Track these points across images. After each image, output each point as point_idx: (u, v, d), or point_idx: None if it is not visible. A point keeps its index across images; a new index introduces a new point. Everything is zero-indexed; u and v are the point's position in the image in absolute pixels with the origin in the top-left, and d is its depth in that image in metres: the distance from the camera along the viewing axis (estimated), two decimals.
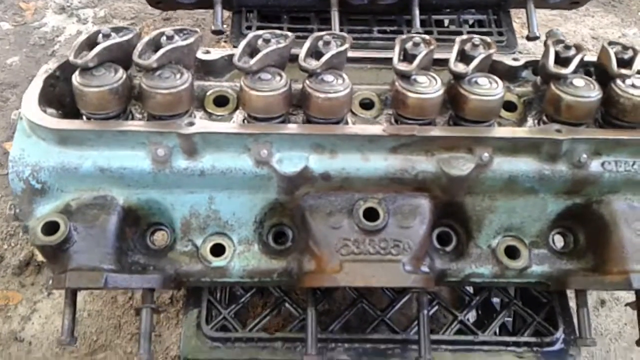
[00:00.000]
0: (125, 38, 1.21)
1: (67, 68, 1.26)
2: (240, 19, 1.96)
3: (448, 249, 1.31)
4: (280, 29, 1.44)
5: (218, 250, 1.27)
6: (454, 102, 1.23)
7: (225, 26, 1.91)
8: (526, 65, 1.37)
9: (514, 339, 1.37)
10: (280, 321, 1.63)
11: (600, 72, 1.27)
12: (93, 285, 1.13)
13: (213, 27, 1.82)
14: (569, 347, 1.36)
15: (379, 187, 1.22)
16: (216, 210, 1.26)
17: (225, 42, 2.84)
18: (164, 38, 1.22)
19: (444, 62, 1.22)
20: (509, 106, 1.32)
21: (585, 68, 1.31)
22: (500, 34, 1.92)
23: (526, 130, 1.23)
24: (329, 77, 1.20)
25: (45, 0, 3.27)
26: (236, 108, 1.30)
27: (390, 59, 1.21)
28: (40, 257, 2.16)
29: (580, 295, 1.26)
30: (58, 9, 3.22)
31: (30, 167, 1.18)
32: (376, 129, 1.19)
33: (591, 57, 1.31)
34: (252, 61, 1.17)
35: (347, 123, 1.26)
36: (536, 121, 1.30)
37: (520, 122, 1.31)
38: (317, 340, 1.24)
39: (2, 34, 3.08)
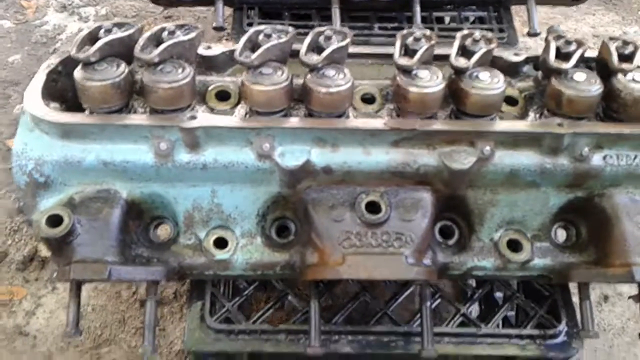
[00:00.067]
0: (126, 33, 1.22)
1: (69, 63, 1.26)
2: (242, 16, 1.96)
3: (450, 242, 1.31)
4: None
5: (221, 243, 1.27)
6: (455, 97, 1.23)
7: (226, 24, 1.91)
8: (527, 60, 1.37)
9: (516, 331, 1.37)
10: (284, 315, 1.63)
11: (601, 67, 1.27)
12: (97, 277, 1.14)
13: (214, 24, 1.83)
14: (572, 340, 1.36)
15: (380, 180, 1.23)
16: (219, 203, 1.26)
17: (226, 39, 2.85)
18: (165, 33, 1.22)
19: (445, 58, 1.22)
20: (510, 101, 1.32)
21: (586, 63, 1.31)
22: (501, 30, 1.92)
23: (528, 124, 1.23)
24: (330, 72, 1.20)
25: None
26: (238, 102, 1.30)
27: (392, 55, 1.21)
28: (44, 253, 2.18)
29: (582, 288, 1.26)
30: (59, 7, 3.23)
31: (34, 161, 1.19)
32: (378, 123, 1.19)
33: (592, 52, 1.31)
34: (254, 56, 1.18)
35: (348, 117, 1.26)
36: (537, 116, 1.30)
37: (522, 117, 1.31)
38: (320, 332, 1.25)
39: (3, 32, 3.09)
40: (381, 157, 1.20)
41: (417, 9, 1.84)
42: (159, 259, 1.27)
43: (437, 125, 1.20)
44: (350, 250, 1.19)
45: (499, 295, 1.60)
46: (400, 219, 1.22)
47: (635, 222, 1.19)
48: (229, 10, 2.01)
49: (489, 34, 1.24)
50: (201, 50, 1.34)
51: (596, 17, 3.20)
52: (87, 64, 1.17)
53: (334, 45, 1.21)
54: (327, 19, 1.85)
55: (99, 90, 1.17)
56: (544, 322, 1.40)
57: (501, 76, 1.21)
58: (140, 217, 1.27)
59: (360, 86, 1.32)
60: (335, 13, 1.80)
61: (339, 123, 1.20)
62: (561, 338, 1.36)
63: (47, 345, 1.96)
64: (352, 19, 1.92)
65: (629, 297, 1.26)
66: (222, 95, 1.32)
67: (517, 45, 1.88)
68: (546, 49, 1.24)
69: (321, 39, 1.23)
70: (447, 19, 2.07)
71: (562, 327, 1.38)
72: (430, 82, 1.19)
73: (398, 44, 1.21)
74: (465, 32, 1.24)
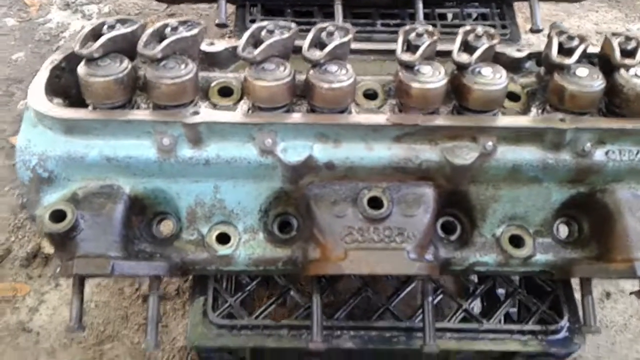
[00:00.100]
0: (130, 29, 1.22)
1: (72, 59, 1.27)
2: (244, 13, 1.96)
3: (452, 238, 1.31)
4: None
5: (223, 238, 1.28)
6: (457, 92, 1.23)
7: (229, 21, 1.91)
8: (530, 56, 1.37)
9: (518, 327, 1.38)
10: (286, 312, 1.64)
11: (603, 63, 1.27)
12: (100, 272, 1.14)
13: (217, 21, 1.83)
14: (574, 336, 1.36)
15: (383, 176, 1.23)
16: (221, 199, 1.27)
17: (229, 36, 2.85)
18: (168, 29, 1.22)
19: (447, 54, 1.22)
20: (512, 97, 1.32)
21: (588, 59, 1.31)
22: (503, 27, 1.92)
23: (530, 119, 1.23)
24: (332, 67, 1.20)
25: None
26: (240, 98, 1.31)
27: (394, 51, 1.21)
28: (47, 249, 2.19)
29: (584, 283, 1.26)
30: (63, 5, 3.24)
31: (37, 157, 1.19)
32: (380, 118, 1.19)
33: (594, 48, 1.31)
34: (257, 51, 1.18)
35: (350, 113, 1.26)
36: (540, 111, 1.29)
37: (524, 113, 1.31)
38: (322, 328, 1.25)
39: (7, 30, 3.10)
40: (383, 152, 1.21)
41: (420, 5, 1.84)
42: (161, 254, 1.27)
43: (440, 121, 1.20)
44: (353, 246, 1.19)
45: (501, 291, 1.60)
46: (402, 215, 1.22)
47: (637, 217, 1.19)
48: (231, 8, 2.01)
49: (492, 30, 1.24)
50: (204, 47, 1.34)
51: (599, 14, 3.20)
52: (91, 60, 1.18)
53: (337, 41, 1.21)
54: (329, 16, 1.85)
55: (102, 86, 1.17)
56: (545, 318, 1.40)
57: (503, 72, 1.21)
58: (143, 212, 1.28)
59: (363, 82, 1.33)
60: (338, 10, 1.80)
61: (341, 118, 1.20)
62: (563, 334, 1.37)
63: (50, 342, 1.97)
64: (354, 15, 1.92)
65: (631, 293, 1.26)
66: (225, 91, 1.32)
67: (519, 41, 1.88)
68: (549, 44, 1.24)
69: (323, 34, 1.23)
70: (449, 16, 2.07)
71: (564, 322, 1.38)
72: (433, 78, 1.19)
73: (400, 39, 1.21)
74: (468, 27, 1.24)
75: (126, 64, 1.19)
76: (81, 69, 1.18)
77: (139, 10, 3.20)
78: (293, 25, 1.25)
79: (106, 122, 1.18)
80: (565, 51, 1.22)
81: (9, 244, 2.21)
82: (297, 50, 1.22)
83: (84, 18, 3.17)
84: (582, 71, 1.21)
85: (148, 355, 1.95)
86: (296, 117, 1.20)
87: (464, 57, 1.19)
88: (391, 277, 1.55)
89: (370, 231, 1.20)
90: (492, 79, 1.19)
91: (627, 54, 1.22)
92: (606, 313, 2.02)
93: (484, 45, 1.21)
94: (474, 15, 2.04)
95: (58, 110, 1.19)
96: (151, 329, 1.22)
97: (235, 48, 1.26)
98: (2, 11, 3.18)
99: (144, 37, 1.18)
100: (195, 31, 1.23)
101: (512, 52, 1.35)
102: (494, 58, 1.26)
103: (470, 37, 1.23)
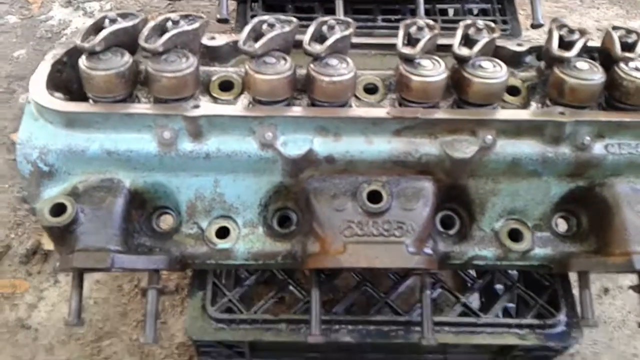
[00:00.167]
0: (131, 23, 1.23)
1: (74, 54, 1.27)
2: (245, 9, 1.97)
3: (451, 232, 1.32)
4: None
5: (223, 232, 1.28)
6: (457, 86, 1.24)
7: (230, 17, 1.92)
8: (530, 50, 1.38)
9: (516, 321, 1.38)
10: (285, 309, 1.64)
11: (604, 57, 1.28)
12: (100, 265, 1.14)
13: (218, 16, 1.83)
14: (571, 330, 1.37)
15: (382, 170, 1.23)
16: (221, 193, 1.27)
17: (230, 33, 2.85)
18: (169, 23, 1.23)
19: (448, 49, 1.22)
20: (512, 91, 1.32)
21: (589, 54, 1.32)
22: (504, 22, 1.92)
23: (530, 113, 1.24)
24: (333, 61, 1.21)
25: None
26: (241, 92, 1.31)
27: (395, 45, 1.21)
28: (46, 246, 2.18)
29: (582, 277, 1.26)
30: (64, 2, 3.24)
31: (38, 150, 1.20)
32: (380, 112, 1.20)
33: (595, 43, 1.31)
34: (257, 45, 1.19)
35: (351, 107, 1.26)
36: (540, 105, 1.30)
37: (524, 107, 1.31)
38: (321, 321, 1.25)
39: (9, 27, 3.10)
40: (383, 146, 1.21)
41: (421, 1, 1.84)
42: (161, 248, 1.27)
43: (439, 114, 1.20)
44: (352, 239, 1.20)
45: (499, 287, 1.60)
46: (401, 208, 1.22)
47: (636, 211, 1.19)
48: (232, 6, 2.01)
49: (492, 24, 1.25)
50: (205, 41, 1.34)
51: (600, 10, 3.20)
52: (92, 54, 1.18)
53: (337, 34, 1.22)
54: (330, 11, 1.85)
55: (104, 80, 1.18)
56: (543, 312, 1.41)
57: (504, 65, 1.21)
58: (143, 206, 1.28)
59: (363, 76, 1.33)
60: (339, 5, 1.81)
61: (341, 112, 1.21)
62: (560, 327, 1.37)
63: (49, 339, 1.96)
64: (355, 11, 1.93)
65: (629, 287, 1.26)
66: (226, 86, 1.33)
67: (520, 37, 1.88)
68: (549, 38, 1.25)
69: (324, 28, 1.23)
70: (450, 12, 2.08)
71: (562, 316, 1.38)
72: (433, 71, 1.19)
73: (401, 33, 1.22)
74: (468, 21, 1.24)
75: (127, 57, 1.20)
76: (83, 62, 1.18)
77: (140, 8, 3.20)
78: (294, 19, 1.26)
79: (107, 115, 1.18)
80: (565, 45, 1.22)
81: (8, 241, 2.20)
82: (298, 44, 1.22)
83: (86, 15, 3.17)
84: (583, 64, 1.21)
85: (146, 352, 1.95)
86: (297, 110, 1.21)
87: (464, 51, 1.20)
88: (390, 273, 1.54)
89: (370, 225, 1.21)
90: (492, 72, 1.20)
91: (628, 47, 1.23)
92: (604, 309, 2.02)
93: (484, 38, 1.21)
94: (475, 11, 2.05)
95: (59, 103, 1.19)
96: (150, 323, 1.22)
97: (236, 43, 1.27)
98: (4, 8, 3.18)
99: (145, 31, 1.19)
100: (196, 25, 1.24)
101: (513, 46, 1.36)
102: (495, 52, 1.27)
103: (471, 31, 1.23)
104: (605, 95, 1.26)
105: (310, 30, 1.22)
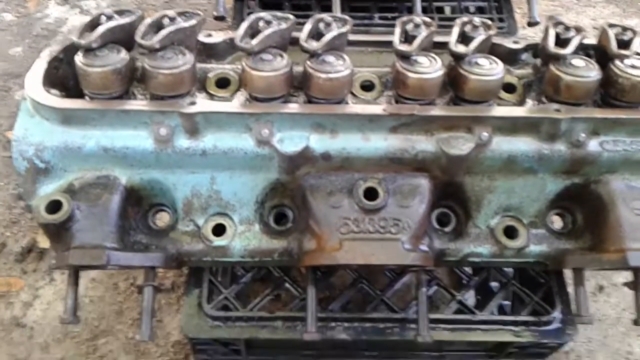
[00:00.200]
0: (128, 20, 1.22)
1: (70, 51, 1.26)
2: (242, 7, 1.97)
3: (447, 229, 1.32)
4: None
5: (219, 230, 1.28)
6: (454, 83, 1.24)
7: (227, 14, 1.91)
8: (526, 48, 1.38)
9: (511, 318, 1.39)
10: (281, 306, 1.64)
11: (600, 54, 1.28)
12: (96, 262, 1.14)
13: (215, 13, 1.83)
14: (566, 326, 1.37)
15: (379, 167, 1.23)
16: (217, 190, 1.27)
17: (228, 31, 2.85)
18: (166, 20, 1.23)
19: (444, 46, 1.23)
20: (508, 88, 1.33)
21: (585, 51, 1.32)
22: (501, 20, 1.93)
23: (525, 110, 1.24)
24: (330, 58, 1.21)
25: None
26: (238, 89, 1.31)
27: (391, 43, 1.21)
28: (42, 244, 2.18)
29: (577, 274, 1.27)
30: (60, 0, 3.23)
31: (34, 147, 1.19)
32: (376, 109, 1.20)
33: (591, 40, 1.32)
34: (254, 42, 1.18)
35: (347, 104, 1.26)
36: (535, 102, 1.30)
37: (520, 104, 1.32)
38: (317, 319, 1.25)
39: (5, 24, 3.08)
40: (380, 143, 1.21)
41: None
42: (157, 245, 1.27)
43: (436, 111, 1.20)
44: (348, 236, 1.20)
45: (494, 284, 1.61)
46: (397, 205, 1.22)
47: (630, 208, 1.20)
48: (229, 3, 2.01)
49: (489, 21, 1.25)
50: (202, 38, 1.34)
51: (597, 9, 3.20)
52: (89, 50, 1.18)
53: (334, 31, 1.22)
54: (327, 9, 1.85)
55: (100, 76, 1.17)
56: (538, 309, 1.41)
57: (500, 62, 1.21)
58: (140, 203, 1.28)
59: (360, 73, 1.33)
60: (336, 3, 1.81)
61: (337, 109, 1.21)
62: (555, 324, 1.38)
63: (44, 337, 1.96)
64: (352, 9, 1.93)
65: (624, 284, 1.27)
66: (222, 83, 1.33)
67: (516, 34, 1.88)
68: (545, 35, 1.25)
69: (321, 25, 1.23)
70: (447, 9, 2.08)
71: (557, 313, 1.39)
72: (430, 68, 1.19)
73: (398, 30, 1.22)
74: (465, 18, 1.25)
75: (124, 54, 1.19)
76: (79, 59, 1.18)
77: (136, 6, 3.19)
78: (291, 16, 1.26)
79: (103, 112, 1.18)
80: (561, 42, 1.23)
81: (3, 239, 2.20)
82: (295, 42, 1.22)
83: (82, 13, 3.16)
84: (579, 62, 1.22)
85: (142, 350, 1.94)
86: (293, 107, 1.21)
87: (461, 48, 1.20)
88: (386, 270, 1.55)
89: (366, 222, 1.21)
90: (488, 69, 1.20)
91: (623, 44, 1.23)
92: (599, 306, 2.03)
93: (480, 36, 1.21)
94: (472, 9, 2.05)
95: (55, 100, 1.19)
96: (146, 320, 1.22)
97: (232, 40, 1.27)
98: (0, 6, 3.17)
99: (142, 28, 1.19)
100: (193, 22, 1.24)
101: (509, 43, 1.36)
102: (491, 49, 1.27)
103: (468, 28, 1.23)
104: (601, 93, 1.26)
105: (307, 27, 1.22)
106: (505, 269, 1.52)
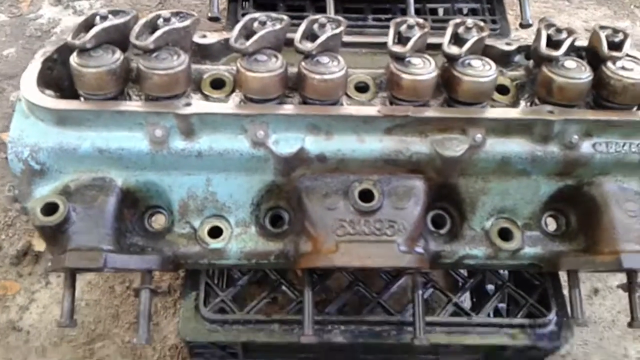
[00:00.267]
0: (122, 20, 1.22)
1: (64, 51, 1.26)
2: (237, 7, 1.96)
3: (442, 231, 1.32)
4: None
5: (215, 232, 1.28)
6: (447, 85, 1.24)
7: (221, 15, 1.91)
8: (519, 49, 1.39)
9: (507, 320, 1.39)
10: (277, 309, 1.64)
11: (591, 56, 1.29)
12: (92, 265, 1.13)
13: (209, 14, 1.83)
14: (562, 329, 1.37)
15: (374, 168, 1.23)
16: (213, 192, 1.27)
17: (222, 32, 2.85)
18: (161, 20, 1.23)
19: (438, 48, 1.23)
20: (501, 89, 1.33)
21: (577, 52, 1.33)
22: (494, 22, 1.93)
23: (519, 111, 1.24)
24: (324, 59, 1.21)
25: None
26: (232, 90, 1.31)
27: (385, 44, 1.21)
28: (37, 247, 2.17)
29: (572, 276, 1.27)
30: (54, 0, 3.22)
31: (29, 148, 1.19)
32: (371, 110, 1.20)
33: (583, 42, 1.32)
34: (249, 42, 1.19)
35: (342, 105, 1.27)
36: (528, 104, 1.31)
37: (513, 105, 1.32)
38: (313, 322, 1.25)
39: None
40: (375, 144, 1.21)
41: (411, 0, 1.85)
42: (153, 247, 1.27)
43: (430, 112, 1.21)
44: (344, 238, 1.20)
45: (490, 287, 1.61)
46: (393, 207, 1.22)
47: (624, 209, 1.20)
48: (223, 4, 2.01)
49: (482, 23, 1.26)
50: (196, 39, 1.34)
51: (588, 11, 3.23)
52: (83, 51, 1.17)
53: (329, 32, 1.22)
54: (321, 10, 1.85)
55: (95, 77, 1.17)
56: (534, 312, 1.41)
57: (493, 64, 1.22)
58: (136, 205, 1.28)
59: (354, 75, 1.33)
60: (330, 4, 1.81)
61: (332, 110, 1.21)
62: (551, 327, 1.38)
63: (41, 341, 1.95)
64: (346, 10, 1.93)
65: (618, 286, 1.27)
66: (217, 84, 1.33)
67: (509, 36, 1.89)
68: (537, 37, 1.26)
69: (315, 26, 1.24)
70: (440, 11, 2.09)
71: (552, 316, 1.39)
72: (423, 70, 1.20)
73: (392, 31, 1.22)
74: (458, 20, 1.25)
75: (118, 55, 1.19)
76: (73, 59, 1.17)
77: (131, 6, 3.19)
78: (285, 17, 1.26)
79: (98, 113, 1.18)
80: (553, 44, 1.23)
81: None
82: (289, 43, 1.22)
83: (75, 14, 3.15)
84: (571, 63, 1.22)
85: (139, 354, 1.94)
86: (288, 108, 1.21)
87: (454, 49, 1.20)
88: (382, 273, 1.55)
89: (361, 224, 1.21)
90: (481, 71, 1.20)
91: (615, 46, 1.24)
92: (594, 309, 2.03)
93: (474, 37, 1.22)
94: (465, 11, 2.06)
95: (50, 101, 1.19)
96: (142, 323, 1.21)
97: (227, 41, 1.26)
98: None
99: (136, 28, 1.18)
100: (187, 22, 1.24)
101: (502, 45, 1.37)
102: (484, 51, 1.27)
103: (461, 30, 1.24)
104: (593, 94, 1.27)
105: (302, 28, 1.22)
106: (501, 271, 1.52)
